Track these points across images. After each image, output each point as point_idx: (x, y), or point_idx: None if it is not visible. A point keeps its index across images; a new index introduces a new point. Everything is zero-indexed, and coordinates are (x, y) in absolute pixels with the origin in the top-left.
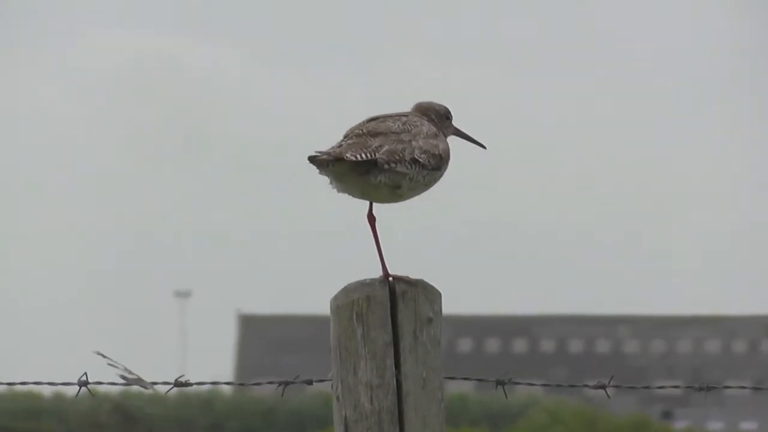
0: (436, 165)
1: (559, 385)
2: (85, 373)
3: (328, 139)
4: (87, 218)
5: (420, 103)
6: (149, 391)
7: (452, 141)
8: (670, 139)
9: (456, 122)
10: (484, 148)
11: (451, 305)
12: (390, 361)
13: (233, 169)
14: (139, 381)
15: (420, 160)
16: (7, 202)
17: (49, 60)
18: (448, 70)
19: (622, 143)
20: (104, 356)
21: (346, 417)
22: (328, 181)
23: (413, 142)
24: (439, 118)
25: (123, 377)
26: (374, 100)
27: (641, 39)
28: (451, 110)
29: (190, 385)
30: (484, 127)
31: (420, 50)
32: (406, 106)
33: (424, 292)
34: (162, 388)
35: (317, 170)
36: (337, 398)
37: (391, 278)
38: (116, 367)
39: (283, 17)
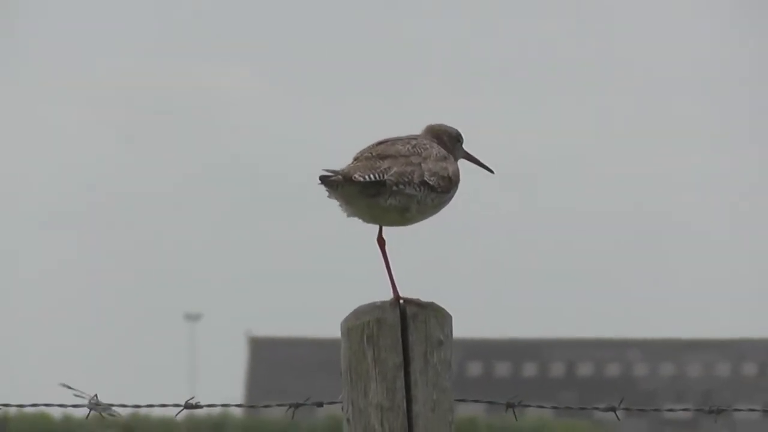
0: (445, 188)
1: (569, 408)
2: (96, 395)
3: (339, 162)
4: (95, 240)
5: (431, 126)
6: (115, 418)
7: (462, 164)
8: (684, 160)
9: (467, 147)
10: (492, 172)
11: (461, 328)
12: (400, 384)
13: (243, 191)
14: (107, 408)
15: (430, 182)
16: (14, 223)
17: (57, 82)
18: (462, 96)
19: (633, 164)
20: (70, 387)
21: None
22: (338, 204)
23: (423, 165)
24: (450, 140)
25: (91, 407)
26: (387, 124)
27: (665, 63)
28: (462, 133)
29: (200, 407)
30: (499, 149)
31: (435, 75)
32: (418, 130)
33: (434, 315)
34: (172, 411)
35: (327, 193)
36: (348, 420)
37: (401, 301)
38: (83, 396)
39: (295, 39)
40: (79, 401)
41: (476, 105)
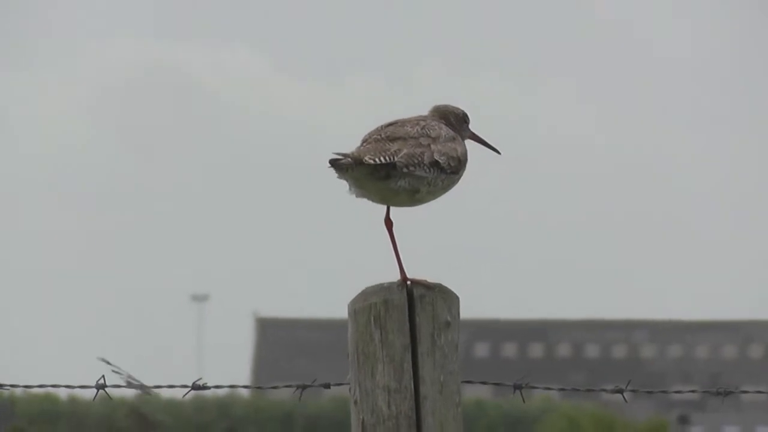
0: (454, 168)
1: (576, 390)
2: (103, 376)
3: (347, 145)
4: (104, 222)
5: (438, 106)
6: (149, 397)
7: (468, 145)
8: (688, 143)
9: (473, 127)
10: (499, 153)
11: (468, 309)
12: (408, 365)
13: (250, 173)
14: (142, 387)
15: (440, 161)
16: (24, 207)
17: (56, 70)
18: (469, 78)
19: (638, 148)
20: (108, 363)
21: (363, 421)
22: (347, 186)
23: (432, 146)
24: (457, 121)
25: (127, 383)
26: (395, 107)
27: (669, 46)
28: (468, 114)
29: (208, 388)
30: (505, 133)
31: (441, 58)
32: (425, 111)
33: (442, 296)
34: (179, 392)
35: (336, 175)
36: (355, 402)
37: (409, 282)
38: (120, 373)
39: (299, 23)
40: (85, 385)
41: (479, 85)
